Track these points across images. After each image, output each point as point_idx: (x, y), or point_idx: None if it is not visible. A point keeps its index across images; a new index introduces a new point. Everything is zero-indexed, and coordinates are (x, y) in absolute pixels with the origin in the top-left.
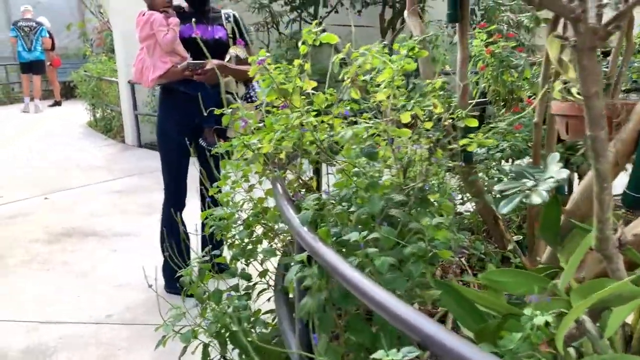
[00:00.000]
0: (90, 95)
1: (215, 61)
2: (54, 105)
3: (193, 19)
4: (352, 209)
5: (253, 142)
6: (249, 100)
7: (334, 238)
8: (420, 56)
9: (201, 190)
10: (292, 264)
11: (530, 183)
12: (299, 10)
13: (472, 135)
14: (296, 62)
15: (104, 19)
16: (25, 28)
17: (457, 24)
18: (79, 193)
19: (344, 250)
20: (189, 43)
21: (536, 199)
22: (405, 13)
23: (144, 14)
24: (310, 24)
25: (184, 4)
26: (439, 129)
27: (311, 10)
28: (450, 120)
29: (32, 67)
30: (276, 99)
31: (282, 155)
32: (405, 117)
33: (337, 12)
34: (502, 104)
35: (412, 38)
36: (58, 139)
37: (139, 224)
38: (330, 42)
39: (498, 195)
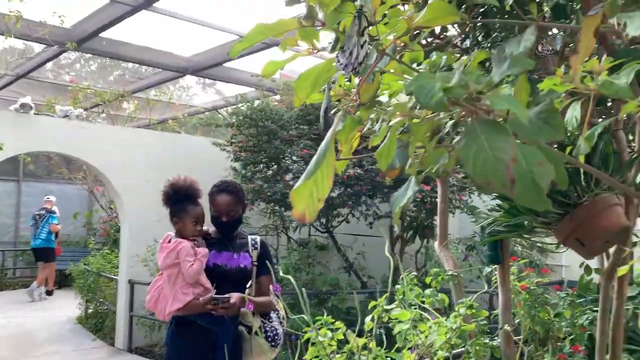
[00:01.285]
0: (86, 290)
1: (240, 295)
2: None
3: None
4: None
5: None
6: (265, 334)
7: None
8: (478, 316)
9: None
10: None
11: None
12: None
13: None
14: (362, 341)
15: (112, 214)
16: (37, 217)
17: (497, 266)
18: None
19: None
20: (212, 271)
21: None
22: (436, 245)
23: (170, 240)
24: (322, 232)
25: (212, 229)
26: None
27: (323, 220)
28: None
29: (35, 255)
30: None
31: None
32: None
33: (348, 222)
34: (541, 346)
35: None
36: (43, 336)
37: None
38: (401, 319)
39: None
